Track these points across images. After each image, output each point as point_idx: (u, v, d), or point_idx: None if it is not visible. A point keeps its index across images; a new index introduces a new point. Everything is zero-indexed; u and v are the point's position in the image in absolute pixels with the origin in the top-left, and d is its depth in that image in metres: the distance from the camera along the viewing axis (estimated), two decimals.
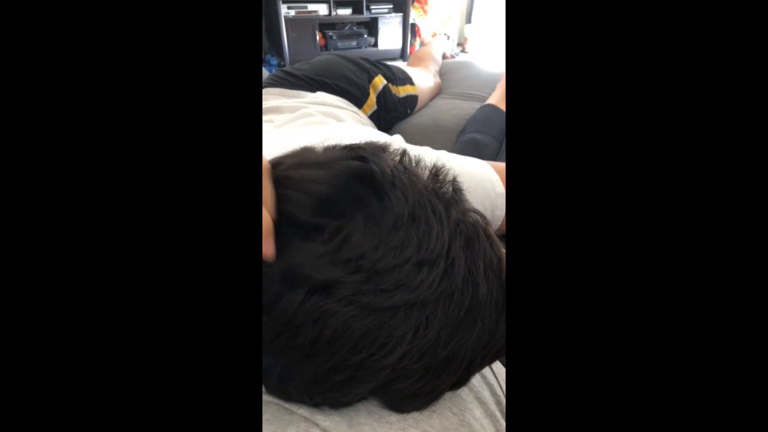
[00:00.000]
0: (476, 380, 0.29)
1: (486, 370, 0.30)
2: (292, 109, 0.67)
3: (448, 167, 0.24)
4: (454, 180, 0.23)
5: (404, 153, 0.24)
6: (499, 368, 0.31)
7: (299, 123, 0.61)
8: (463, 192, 0.23)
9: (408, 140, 0.49)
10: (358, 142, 0.26)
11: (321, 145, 0.46)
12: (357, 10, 2.53)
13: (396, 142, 0.46)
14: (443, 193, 0.22)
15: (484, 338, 0.21)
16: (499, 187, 0.46)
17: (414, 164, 0.24)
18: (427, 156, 0.44)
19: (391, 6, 2.62)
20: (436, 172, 0.24)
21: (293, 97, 0.75)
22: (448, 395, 0.26)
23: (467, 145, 0.81)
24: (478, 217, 0.23)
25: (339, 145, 0.25)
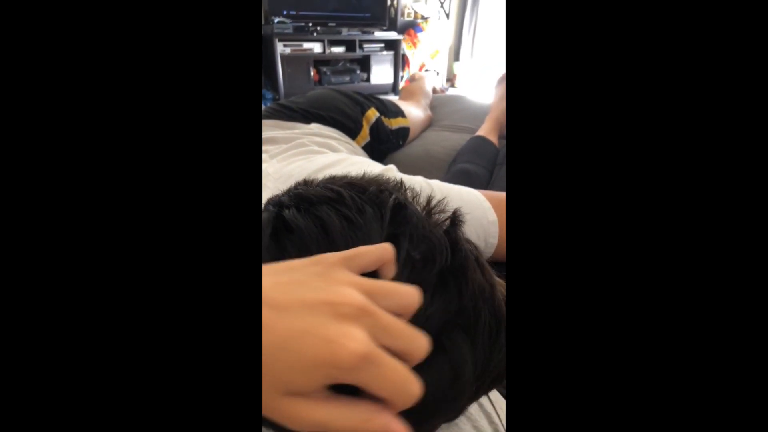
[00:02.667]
0: (473, 409, 0.28)
1: (483, 399, 0.29)
2: (287, 140, 0.69)
3: (445, 200, 0.25)
4: (456, 211, 0.24)
5: (402, 184, 0.25)
6: (496, 396, 0.31)
7: (294, 153, 0.63)
8: (462, 224, 0.24)
9: (401, 170, 0.50)
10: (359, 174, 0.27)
11: (318, 172, 0.47)
12: (350, 48, 2.64)
13: (390, 171, 0.47)
14: (438, 225, 0.23)
15: (479, 367, 0.21)
16: (491, 215, 0.47)
17: (411, 197, 0.24)
18: (420, 185, 0.46)
19: (383, 45, 2.74)
20: (431, 205, 0.24)
21: (288, 128, 0.76)
22: (444, 426, 0.25)
23: (458, 174, 0.83)
24: (470, 246, 0.23)
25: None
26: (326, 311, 0.16)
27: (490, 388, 0.23)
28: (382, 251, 0.19)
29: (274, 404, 0.15)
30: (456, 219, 0.23)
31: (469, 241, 0.23)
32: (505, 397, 0.31)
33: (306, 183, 0.26)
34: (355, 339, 0.15)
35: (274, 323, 0.16)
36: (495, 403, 0.30)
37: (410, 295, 0.18)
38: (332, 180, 0.25)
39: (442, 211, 0.24)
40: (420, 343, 0.17)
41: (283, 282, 0.18)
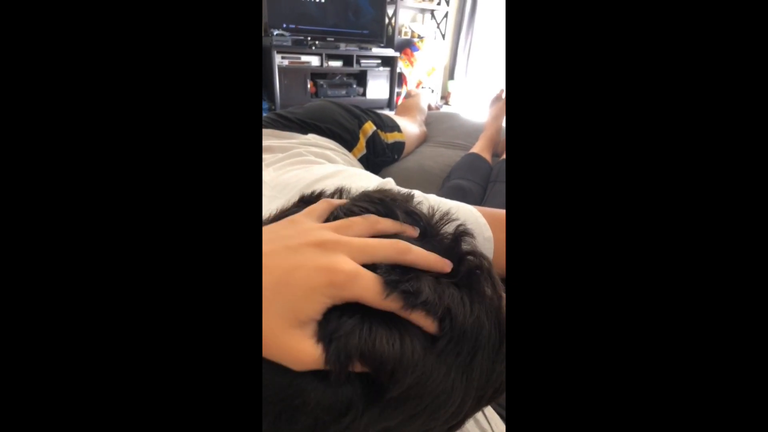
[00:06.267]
0: (469, 425, 0.28)
1: (478, 414, 0.29)
2: (284, 149, 0.69)
3: (450, 212, 0.25)
4: (460, 224, 0.24)
5: (411, 196, 0.25)
6: (491, 413, 0.30)
7: (289, 162, 0.62)
8: (471, 236, 0.24)
9: (396, 184, 0.51)
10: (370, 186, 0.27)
11: (316, 183, 0.47)
12: (348, 63, 2.68)
13: (389, 184, 0.48)
14: (446, 235, 0.23)
15: (483, 379, 0.21)
16: (486, 231, 0.47)
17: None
18: (418, 199, 0.46)
19: (379, 61, 2.79)
20: (440, 216, 0.24)
21: (285, 138, 0.77)
22: None
23: (453, 190, 0.84)
24: (481, 259, 0.23)
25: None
26: (309, 249, 0.20)
27: (491, 400, 0.23)
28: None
29: (283, 339, 0.17)
30: (465, 230, 0.24)
31: (481, 254, 0.23)
32: (505, 411, 0.31)
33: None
34: (343, 261, 0.19)
35: (268, 267, 0.19)
36: (490, 420, 0.30)
37: (368, 219, 0.22)
38: (364, 195, 0.26)
39: (448, 222, 0.25)
40: (399, 246, 0.21)
41: (266, 239, 0.21)
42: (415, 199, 0.26)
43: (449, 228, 0.24)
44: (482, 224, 0.47)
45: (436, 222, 0.24)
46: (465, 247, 0.23)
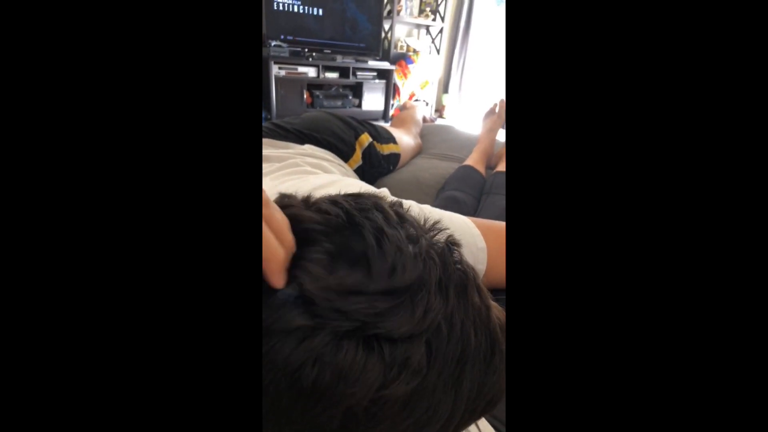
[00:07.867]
0: None
1: (472, 428, 0.29)
2: (280, 159, 0.69)
3: (440, 221, 0.25)
4: (450, 236, 0.24)
5: (401, 204, 0.25)
6: (485, 426, 0.30)
7: (286, 172, 0.63)
8: (459, 246, 0.24)
9: (391, 194, 0.51)
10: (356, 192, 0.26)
11: (312, 192, 0.47)
12: (344, 74, 2.71)
13: (384, 194, 0.48)
14: (436, 244, 0.23)
15: (474, 390, 0.21)
16: (480, 242, 0.48)
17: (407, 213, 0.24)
18: (412, 208, 0.46)
19: (375, 73, 2.83)
20: (429, 224, 0.24)
21: (282, 148, 0.77)
22: None
23: (447, 201, 0.85)
24: (467, 268, 0.23)
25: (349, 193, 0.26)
26: None
27: (484, 412, 0.23)
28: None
29: None
30: (453, 240, 0.24)
31: (468, 263, 0.23)
32: (505, 427, 0.31)
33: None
34: None
35: None
36: None
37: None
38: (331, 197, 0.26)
39: (438, 231, 0.24)
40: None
41: None
42: (404, 206, 0.25)
43: (440, 237, 0.24)
44: (476, 235, 0.48)
45: (428, 230, 0.24)
46: (456, 256, 0.23)
